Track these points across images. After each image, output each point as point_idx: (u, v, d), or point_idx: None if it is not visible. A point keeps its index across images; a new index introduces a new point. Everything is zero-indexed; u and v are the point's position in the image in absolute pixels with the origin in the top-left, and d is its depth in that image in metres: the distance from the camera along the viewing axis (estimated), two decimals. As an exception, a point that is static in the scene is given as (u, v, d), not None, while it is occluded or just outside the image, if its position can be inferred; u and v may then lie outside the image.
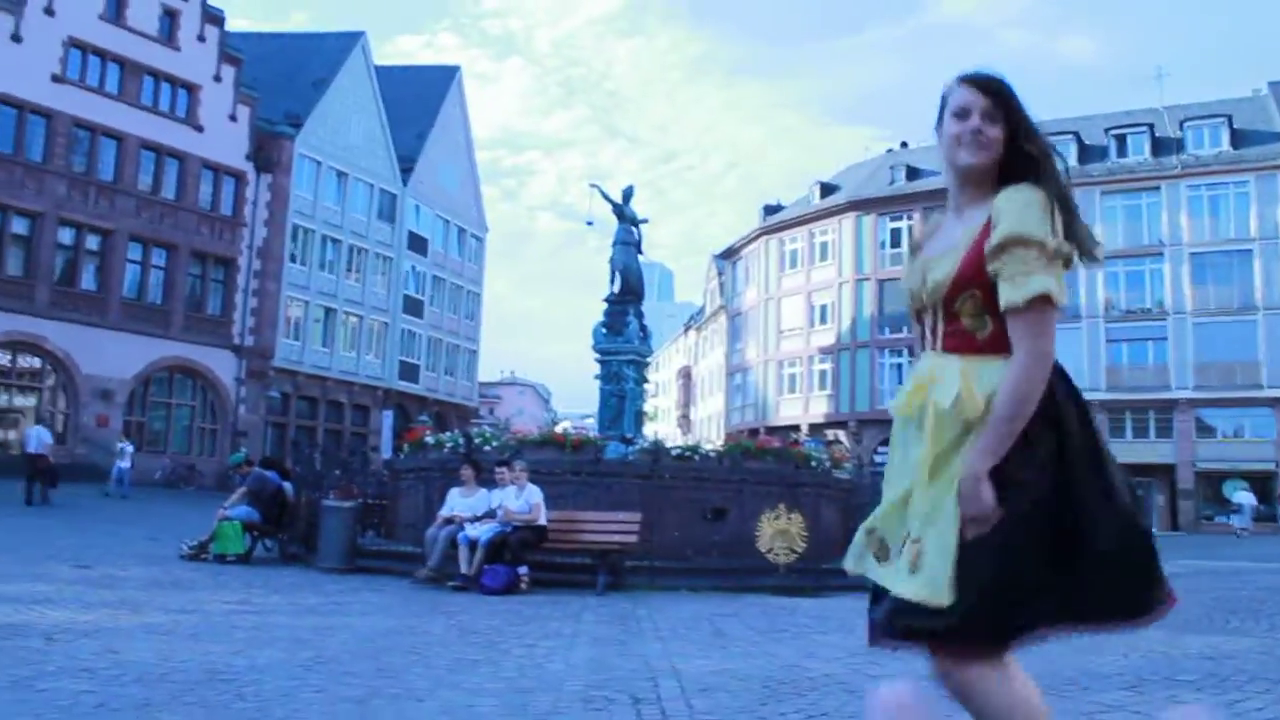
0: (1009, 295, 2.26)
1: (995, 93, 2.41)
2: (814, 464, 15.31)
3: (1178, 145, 44.63)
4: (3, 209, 33.05)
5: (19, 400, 34.15)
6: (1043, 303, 2.27)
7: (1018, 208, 2.30)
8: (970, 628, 2.23)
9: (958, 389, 2.32)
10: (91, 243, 35.58)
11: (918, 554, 2.29)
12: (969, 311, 2.38)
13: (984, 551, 2.20)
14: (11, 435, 32.86)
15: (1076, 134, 46.22)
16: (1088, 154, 45.75)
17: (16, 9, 33.41)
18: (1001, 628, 2.26)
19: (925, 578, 2.26)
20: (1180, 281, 42.78)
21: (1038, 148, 2.44)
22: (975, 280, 2.34)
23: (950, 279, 2.38)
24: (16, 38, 33.31)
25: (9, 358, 33.81)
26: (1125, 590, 2.31)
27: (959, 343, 2.40)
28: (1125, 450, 42.02)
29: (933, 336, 2.48)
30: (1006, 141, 2.43)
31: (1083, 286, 43.41)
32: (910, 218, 48.07)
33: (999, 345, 2.34)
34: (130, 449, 29.05)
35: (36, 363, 34.48)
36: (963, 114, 2.42)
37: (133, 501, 26.50)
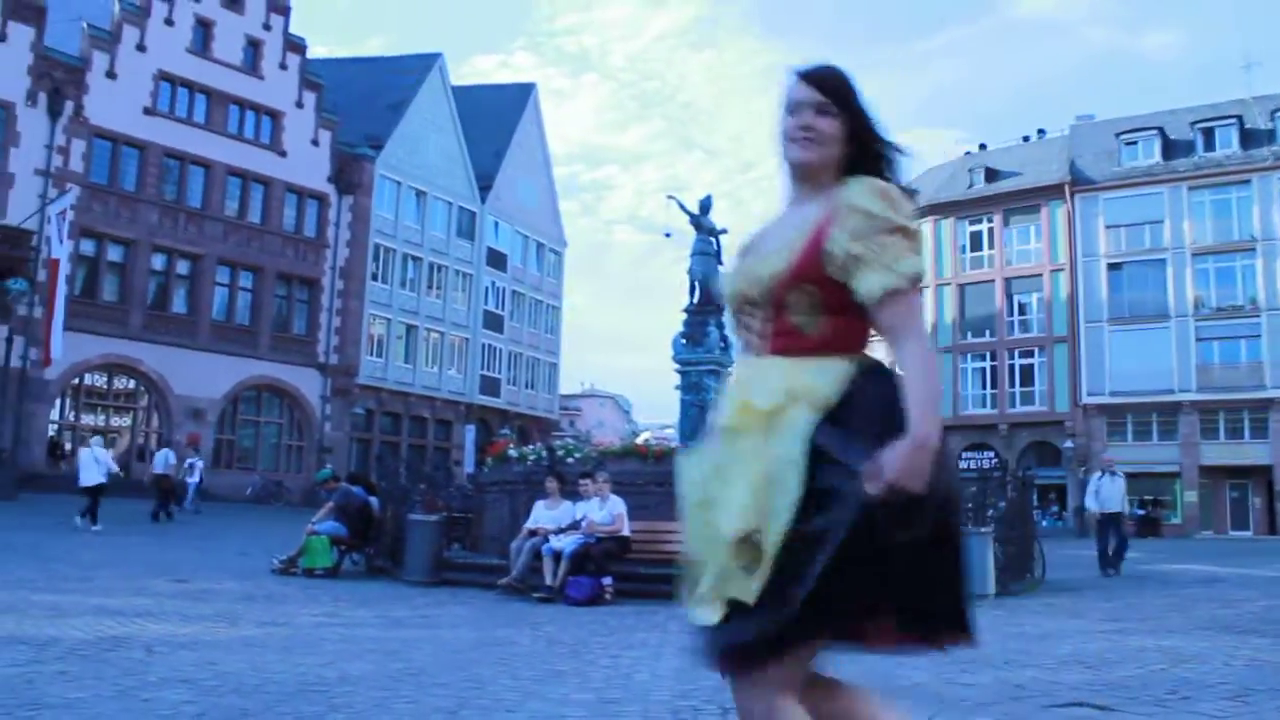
0: (883, 280, 2.14)
1: (831, 89, 2.32)
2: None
3: (1269, 137, 43.29)
4: (99, 237, 34.22)
5: (115, 420, 35.23)
6: (916, 285, 2.17)
7: (875, 195, 2.21)
8: (784, 632, 2.08)
9: (781, 388, 2.19)
10: (182, 267, 36.63)
11: (753, 558, 2.12)
12: (801, 309, 2.25)
13: (810, 553, 2.05)
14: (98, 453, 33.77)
15: (1161, 129, 45.18)
16: (1173, 149, 44.65)
17: (111, 47, 34.60)
18: (810, 631, 2.10)
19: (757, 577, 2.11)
20: (1274, 277, 41.45)
21: (880, 145, 2.35)
22: (812, 274, 2.22)
23: (786, 272, 2.25)
24: (111, 74, 34.49)
25: (106, 379, 34.96)
26: (938, 608, 2.18)
27: (787, 343, 2.27)
28: (1220, 452, 40.86)
29: (758, 340, 2.34)
30: (849, 138, 2.33)
31: (1170, 285, 42.34)
32: (990, 220, 47.32)
33: (829, 344, 2.24)
34: (200, 464, 29.22)
35: (131, 384, 35.58)
36: (795, 109, 2.33)
37: (212, 518, 26.81)
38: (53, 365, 31.50)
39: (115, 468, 22.59)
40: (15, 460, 29.12)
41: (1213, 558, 23.46)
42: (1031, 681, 5.92)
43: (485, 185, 49.86)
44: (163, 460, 24.95)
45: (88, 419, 34.28)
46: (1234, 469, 40.87)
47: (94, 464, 20.35)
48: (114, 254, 34.85)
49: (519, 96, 55.22)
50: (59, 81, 32.92)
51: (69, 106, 33.16)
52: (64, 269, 31.00)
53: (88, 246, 34.04)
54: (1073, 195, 44.72)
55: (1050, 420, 44.29)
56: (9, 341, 29.22)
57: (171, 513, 23.78)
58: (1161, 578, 16.42)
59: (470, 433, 46.69)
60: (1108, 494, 17.07)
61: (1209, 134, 44.20)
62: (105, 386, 35.08)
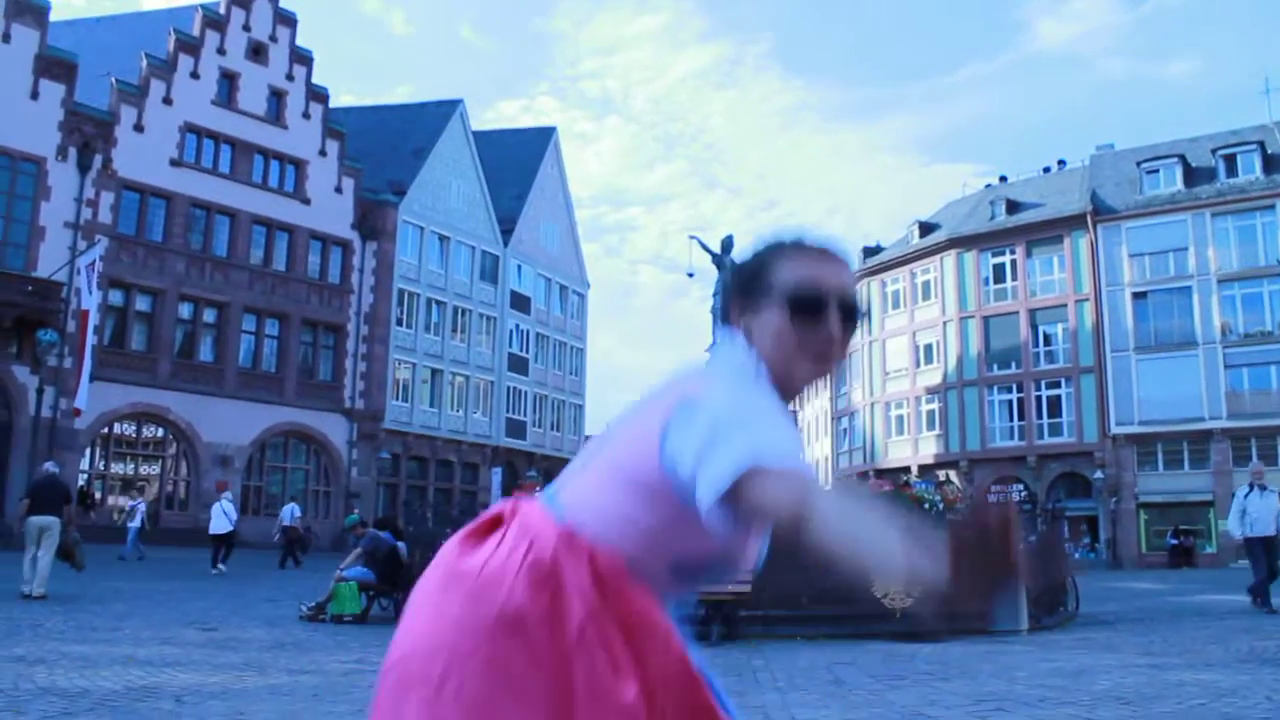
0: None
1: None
2: (927, 506, 15.00)
3: (1291, 162, 43.11)
4: (127, 288, 34.63)
5: (145, 469, 35.44)
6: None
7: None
8: None
9: None
10: (209, 316, 36.99)
11: None
12: None
13: None
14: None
15: (1182, 157, 45.04)
16: (1195, 176, 44.47)
17: (139, 101, 35.19)
18: None
19: None
20: (1303, 301, 41.08)
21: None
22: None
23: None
24: (139, 127, 35.06)
25: (135, 428, 35.22)
26: None
27: None
28: (1255, 481, 40.33)
29: None
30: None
31: (1197, 312, 41.98)
32: (1013, 252, 47.18)
33: None
34: (143, 507, 27.97)
35: (160, 432, 35.83)
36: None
37: (239, 565, 26.90)
38: (82, 415, 31.81)
39: (236, 517, 25.05)
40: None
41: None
42: (1068, 719, 5.83)
43: (507, 229, 50.19)
44: (289, 513, 27.97)
45: (117, 468, 34.52)
46: (1268, 497, 40.40)
47: (223, 515, 24.38)
48: (142, 304, 35.26)
49: (539, 140, 55.69)
50: (88, 136, 33.49)
51: (98, 160, 33.69)
52: (93, 319, 31.38)
53: (116, 297, 34.46)
54: (1095, 225, 44.56)
55: (1079, 451, 43.87)
56: (40, 392, 29.52)
57: (299, 560, 26.53)
58: (1198, 609, 16.15)
59: (497, 475, 46.66)
60: (1257, 513, 13.97)
61: (1231, 160, 44.00)
62: (134, 435, 35.35)
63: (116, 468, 34.60)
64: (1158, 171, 45.37)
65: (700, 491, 1.47)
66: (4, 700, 6.32)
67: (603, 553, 1.58)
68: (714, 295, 17.04)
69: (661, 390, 1.62)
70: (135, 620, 11.80)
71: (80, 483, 33.23)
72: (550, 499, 1.70)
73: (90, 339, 31.07)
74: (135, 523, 26.79)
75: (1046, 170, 52.91)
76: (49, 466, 15.20)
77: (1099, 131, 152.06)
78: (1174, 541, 40.26)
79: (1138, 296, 43.62)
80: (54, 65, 32.75)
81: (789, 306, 1.63)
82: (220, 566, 22.59)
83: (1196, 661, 8.94)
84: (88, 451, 33.63)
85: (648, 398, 1.65)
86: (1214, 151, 44.67)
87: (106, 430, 34.11)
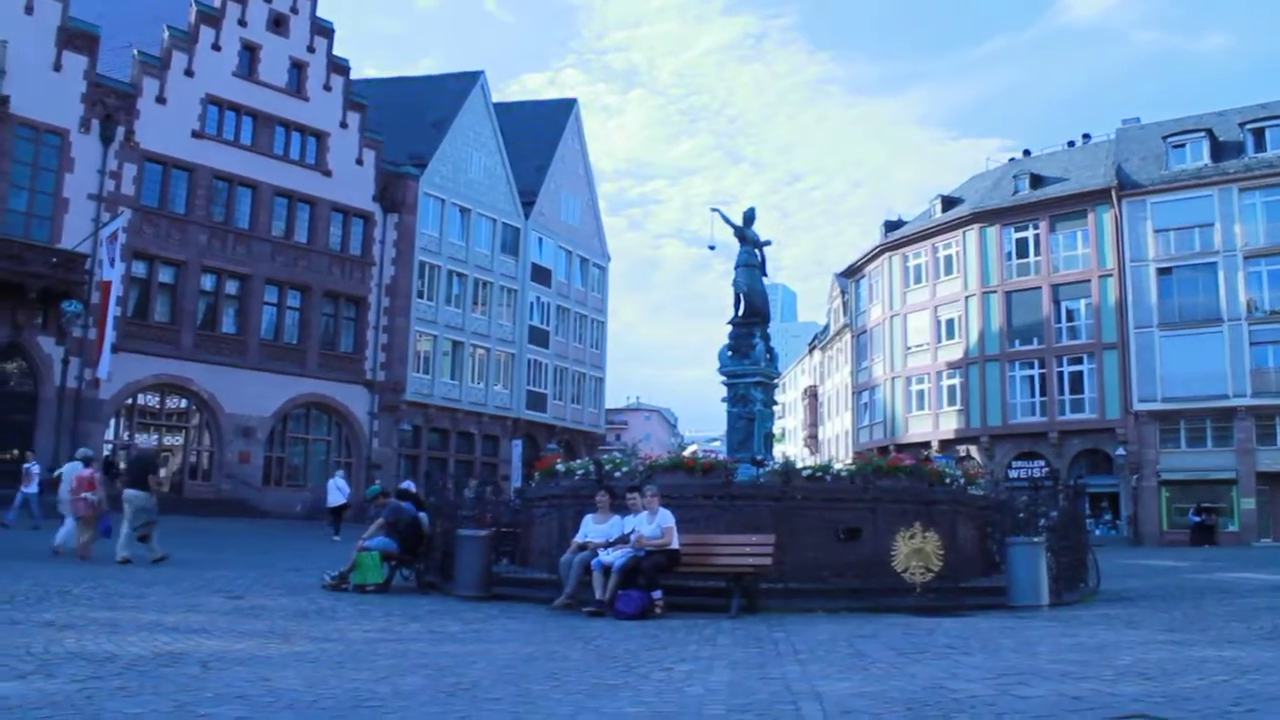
0: None
1: None
2: (948, 481, 14.97)
3: (1322, 136, 42.53)
4: (150, 259, 34.79)
5: (169, 439, 35.71)
6: None
7: None
8: None
9: None
10: (231, 287, 37.12)
11: None
12: None
13: None
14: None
15: (1209, 131, 44.50)
16: (1222, 151, 43.93)
17: (161, 73, 35.23)
18: None
19: None
20: (1331, 278, 40.62)
21: None
22: None
23: None
24: (161, 99, 35.12)
25: (158, 399, 35.48)
26: None
27: None
28: (1277, 458, 40.04)
29: None
30: None
31: (1222, 288, 41.57)
32: (1036, 227, 46.80)
33: None
34: (37, 470, 23.99)
35: (183, 403, 36.08)
36: None
37: (261, 535, 27.22)
38: (106, 385, 32.05)
39: (349, 491, 27.66)
40: (71, 480, 29.59)
41: (1273, 566, 23.00)
42: (1090, 693, 5.83)
43: (528, 201, 50.12)
44: (336, 488, 28.26)
45: (141, 438, 34.78)
46: (1293, 475, 39.97)
47: (337, 490, 27.64)
48: (165, 275, 35.40)
49: (560, 112, 55.50)
50: (111, 108, 33.55)
51: (120, 132, 33.77)
52: (116, 291, 31.56)
53: (139, 268, 34.62)
54: (1120, 199, 44.11)
55: (1101, 428, 43.63)
56: (65, 363, 29.75)
57: (338, 529, 27.06)
58: (1221, 587, 16.10)
59: (518, 447, 46.83)
60: None
61: (1259, 134, 43.41)
62: (158, 406, 35.58)
63: (141, 438, 34.82)
64: (1184, 146, 44.84)
65: None
66: (35, 664, 6.41)
67: None
68: (735, 268, 16.96)
69: None
70: (161, 588, 11.92)
71: (105, 453, 33.54)
72: None
73: (112, 310, 31.25)
74: (31, 488, 23.29)
75: (1071, 144, 52.40)
76: (137, 444, 17.06)
77: (1126, 106, 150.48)
78: (1196, 519, 40.03)
79: (1162, 272, 43.22)
80: (76, 37, 32.78)
81: None
82: (336, 537, 25.09)
83: (1219, 638, 8.92)
84: (112, 422, 33.87)
85: None
86: (1242, 125, 44.11)
87: (130, 401, 34.33)
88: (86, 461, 17.15)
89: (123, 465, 14.54)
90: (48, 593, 10.71)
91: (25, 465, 24.24)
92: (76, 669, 6.27)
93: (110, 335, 30.90)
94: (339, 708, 5.32)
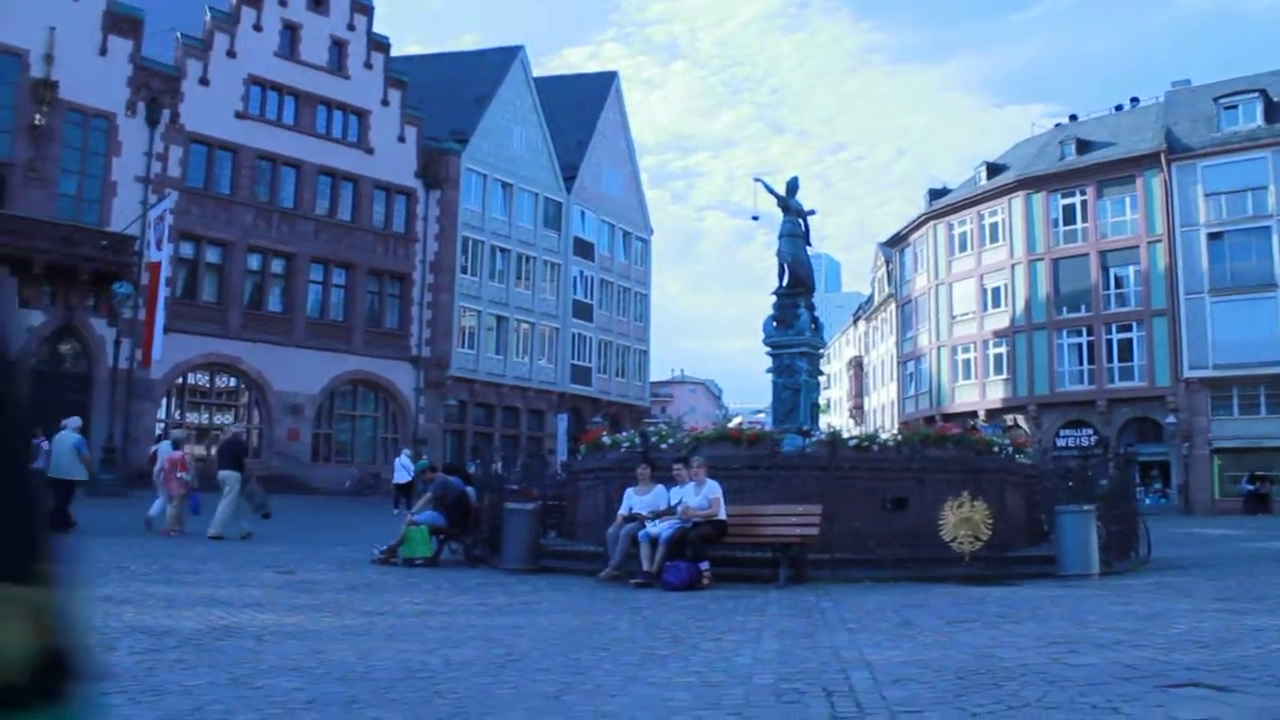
0: None
1: None
2: (996, 450, 14.84)
3: (1380, 95, 41.43)
4: (197, 240, 35.20)
5: (219, 419, 36.24)
6: None
7: None
8: None
9: None
10: (277, 266, 37.50)
11: None
12: None
13: None
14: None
15: (1264, 91, 43.46)
16: (1276, 112, 42.92)
17: (204, 54, 35.53)
18: None
19: None
20: (1389, 241, 39.66)
21: None
22: None
23: None
24: (204, 81, 35.43)
25: (208, 378, 35.98)
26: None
27: None
28: (1336, 425, 39.32)
29: None
30: None
31: (1276, 252, 40.69)
32: (1083, 193, 46.06)
33: None
34: (46, 446, 18.31)
35: (232, 382, 36.57)
36: None
37: (311, 512, 27.55)
38: (157, 365, 32.54)
39: (414, 468, 27.23)
40: (126, 458, 30.17)
41: (1329, 534, 22.61)
42: (1144, 661, 5.77)
43: (570, 175, 50.09)
44: (401, 466, 28.71)
45: (192, 417, 35.33)
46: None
47: (402, 468, 28.07)
48: (212, 255, 35.83)
49: (601, 85, 55.32)
50: (156, 90, 33.91)
51: (166, 114, 34.13)
52: (165, 272, 31.96)
53: (187, 249, 35.05)
54: (1169, 164, 43.28)
55: (1151, 396, 43.02)
56: (117, 344, 30.22)
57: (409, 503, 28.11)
58: (1276, 556, 15.87)
59: (563, 421, 47.00)
60: None
61: (1315, 94, 42.39)
62: (208, 385, 36.10)
63: (191, 417, 35.39)
64: (1237, 107, 43.84)
65: None
66: (94, 638, 6.54)
67: None
68: (779, 238, 16.85)
69: None
70: (215, 563, 12.12)
71: (157, 432, 34.09)
72: None
73: (162, 290, 31.66)
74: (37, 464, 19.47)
75: (1119, 108, 51.40)
76: (233, 428, 17.80)
77: (1173, 69, 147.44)
78: (1249, 488, 39.41)
79: (1213, 237, 42.41)
80: (121, 21, 33.12)
81: None
82: (396, 511, 25.09)
83: (1275, 607, 8.80)
84: (164, 401, 34.42)
85: None
86: (1297, 85, 43.08)
87: (181, 380, 34.85)
88: (178, 444, 17.93)
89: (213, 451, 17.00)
90: (106, 568, 10.93)
91: (35, 440, 22.81)
92: (135, 642, 6.40)
93: (160, 316, 31.34)
94: (391, 678, 5.39)
